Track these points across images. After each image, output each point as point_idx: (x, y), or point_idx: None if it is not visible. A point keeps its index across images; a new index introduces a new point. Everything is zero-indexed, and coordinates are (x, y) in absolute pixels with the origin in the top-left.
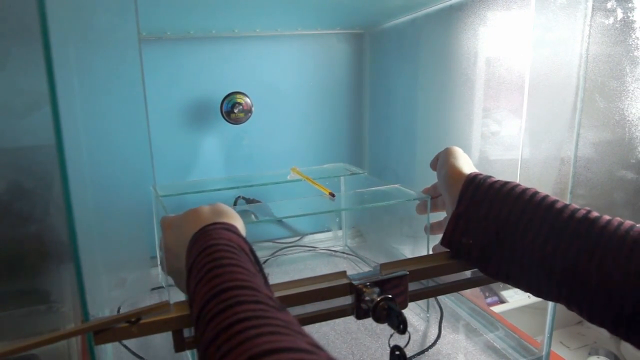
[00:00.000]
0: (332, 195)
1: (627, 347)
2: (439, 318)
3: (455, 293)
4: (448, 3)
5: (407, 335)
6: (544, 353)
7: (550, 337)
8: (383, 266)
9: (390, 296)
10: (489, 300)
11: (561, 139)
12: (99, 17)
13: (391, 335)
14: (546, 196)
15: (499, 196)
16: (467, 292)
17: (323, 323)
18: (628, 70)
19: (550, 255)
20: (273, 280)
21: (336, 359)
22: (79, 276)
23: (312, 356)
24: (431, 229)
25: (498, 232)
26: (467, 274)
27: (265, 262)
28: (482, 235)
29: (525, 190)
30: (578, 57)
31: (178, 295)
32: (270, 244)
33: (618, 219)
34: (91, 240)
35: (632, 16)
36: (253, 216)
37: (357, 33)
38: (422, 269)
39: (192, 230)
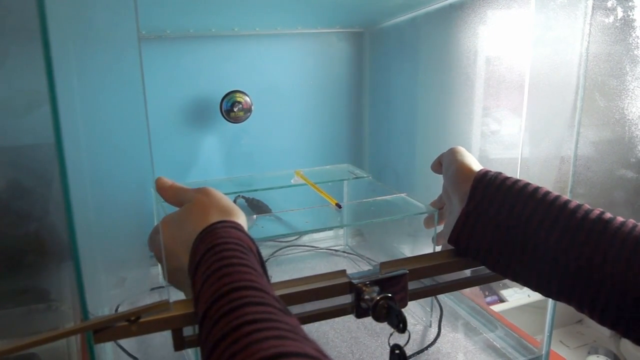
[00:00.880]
0: (339, 206)
1: (626, 346)
2: (438, 317)
3: (455, 292)
4: (448, 2)
5: (406, 334)
6: (543, 352)
7: (549, 336)
8: (383, 265)
9: (390, 295)
10: (488, 299)
11: (561, 138)
12: (98, 16)
13: (391, 334)
14: (559, 196)
15: (511, 194)
16: (467, 291)
17: (322, 322)
18: (628, 69)
19: (562, 255)
20: (273, 279)
21: None
22: (78, 275)
23: None
24: (437, 239)
25: (509, 230)
26: (467, 272)
27: (265, 261)
28: (493, 232)
29: (537, 188)
30: (578, 56)
31: (178, 295)
32: (271, 242)
33: (632, 220)
34: (91, 238)
35: (633, 15)
36: (254, 217)
37: (357, 32)
38: (421, 267)
39: (196, 228)
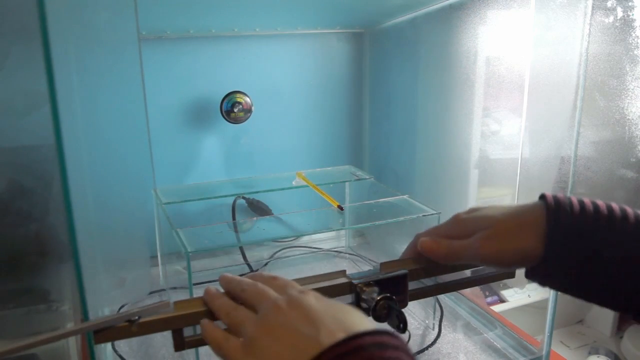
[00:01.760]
0: (341, 208)
1: (627, 346)
2: (439, 317)
3: (455, 292)
4: (448, 2)
5: (407, 334)
6: (544, 352)
7: (550, 337)
8: (383, 265)
9: (390, 295)
10: (488, 299)
11: (561, 138)
12: (98, 16)
13: None
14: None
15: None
16: (467, 291)
17: None
18: (628, 69)
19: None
20: None
21: None
22: (78, 275)
23: None
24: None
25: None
26: (467, 272)
27: (266, 264)
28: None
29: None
30: (578, 56)
31: (178, 296)
32: (272, 244)
33: None
34: (91, 239)
35: (632, 15)
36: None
37: (357, 32)
38: (421, 267)
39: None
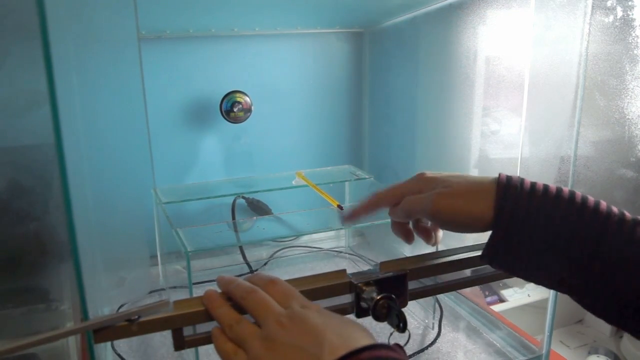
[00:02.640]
0: (340, 207)
1: (627, 346)
2: (438, 317)
3: (455, 292)
4: (447, 2)
5: (406, 333)
6: (544, 352)
7: (550, 336)
8: (383, 265)
9: (390, 295)
10: (488, 299)
11: (561, 138)
12: (98, 16)
13: (391, 334)
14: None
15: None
16: (467, 291)
17: None
18: (628, 69)
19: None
20: None
21: None
22: (78, 274)
23: None
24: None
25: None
26: (467, 272)
27: (266, 263)
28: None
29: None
30: (578, 56)
31: (177, 296)
32: (272, 243)
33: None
34: (91, 238)
35: (632, 14)
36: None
37: (356, 32)
38: (421, 267)
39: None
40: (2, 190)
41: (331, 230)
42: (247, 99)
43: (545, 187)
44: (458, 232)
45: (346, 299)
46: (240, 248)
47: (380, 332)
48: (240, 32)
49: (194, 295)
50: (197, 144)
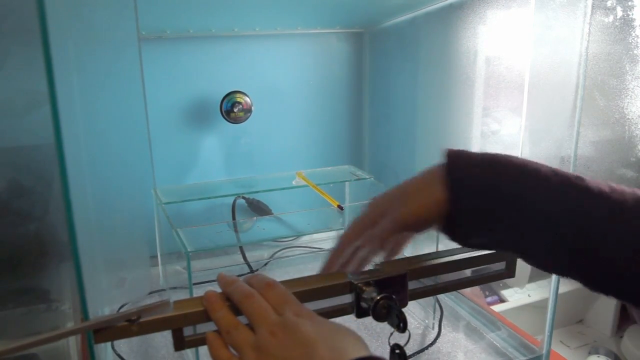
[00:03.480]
0: (341, 208)
1: (627, 346)
2: (438, 317)
3: (455, 292)
4: (448, 2)
5: (406, 333)
6: (544, 352)
7: (550, 336)
8: (383, 265)
9: (390, 295)
10: (489, 299)
11: (561, 138)
12: (98, 16)
13: (391, 334)
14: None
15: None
16: (467, 291)
17: None
18: (628, 69)
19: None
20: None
21: None
22: (78, 275)
23: None
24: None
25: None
26: (467, 272)
27: (266, 264)
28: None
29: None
30: (578, 56)
31: (178, 296)
32: (272, 243)
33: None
34: (91, 238)
35: (632, 14)
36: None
37: (356, 32)
38: (421, 267)
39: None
40: (2, 190)
41: (331, 230)
42: (247, 99)
43: (494, 156)
44: (440, 230)
45: (346, 299)
46: (241, 248)
47: (381, 332)
48: (240, 32)
49: (194, 295)
50: (198, 144)
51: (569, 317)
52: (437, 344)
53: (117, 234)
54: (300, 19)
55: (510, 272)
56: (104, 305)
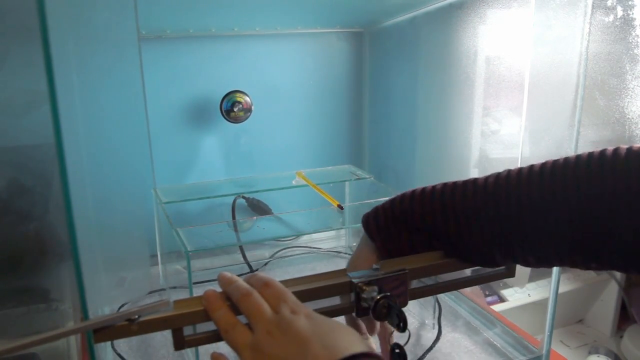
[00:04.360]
0: (341, 207)
1: (627, 346)
2: (437, 315)
3: (455, 291)
4: (448, 1)
5: (406, 333)
6: (544, 352)
7: (550, 336)
8: (383, 264)
9: (390, 294)
10: (489, 299)
11: (561, 137)
12: (98, 16)
13: (391, 333)
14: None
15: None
16: (467, 291)
17: None
18: (628, 68)
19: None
20: None
21: None
22: (78, 274)
23: None
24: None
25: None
26: (468, 272)
27: (266, 263)
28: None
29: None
30: (578, 55)
31: (178, 295)
32: (272, 243)
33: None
34: (91, 238)
35: (632, 14)
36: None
37: (356, 32)
38: (422, 267)
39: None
40: (3, 190)
41: (331, 230)
42: (247, 98)
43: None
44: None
45: (346, 299)
46: (241, 248)
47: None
48: (241, 32)
49: (194, 295)
50: (197, 144)
51: (569, 316)
52: (437, 344)
53: (117, 234)
54: (300, 18)
55: (510, 272)
56: (104, 304)
